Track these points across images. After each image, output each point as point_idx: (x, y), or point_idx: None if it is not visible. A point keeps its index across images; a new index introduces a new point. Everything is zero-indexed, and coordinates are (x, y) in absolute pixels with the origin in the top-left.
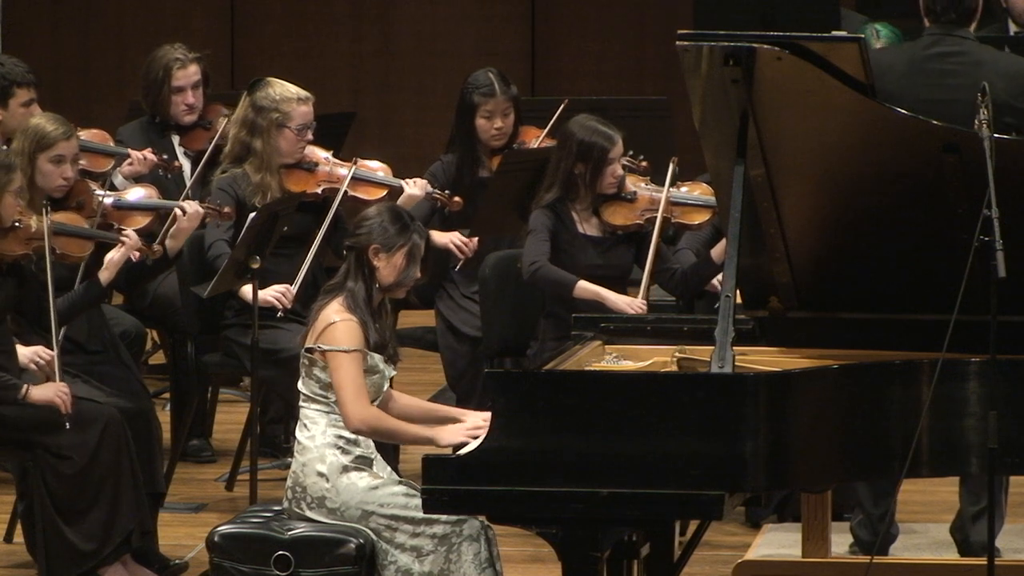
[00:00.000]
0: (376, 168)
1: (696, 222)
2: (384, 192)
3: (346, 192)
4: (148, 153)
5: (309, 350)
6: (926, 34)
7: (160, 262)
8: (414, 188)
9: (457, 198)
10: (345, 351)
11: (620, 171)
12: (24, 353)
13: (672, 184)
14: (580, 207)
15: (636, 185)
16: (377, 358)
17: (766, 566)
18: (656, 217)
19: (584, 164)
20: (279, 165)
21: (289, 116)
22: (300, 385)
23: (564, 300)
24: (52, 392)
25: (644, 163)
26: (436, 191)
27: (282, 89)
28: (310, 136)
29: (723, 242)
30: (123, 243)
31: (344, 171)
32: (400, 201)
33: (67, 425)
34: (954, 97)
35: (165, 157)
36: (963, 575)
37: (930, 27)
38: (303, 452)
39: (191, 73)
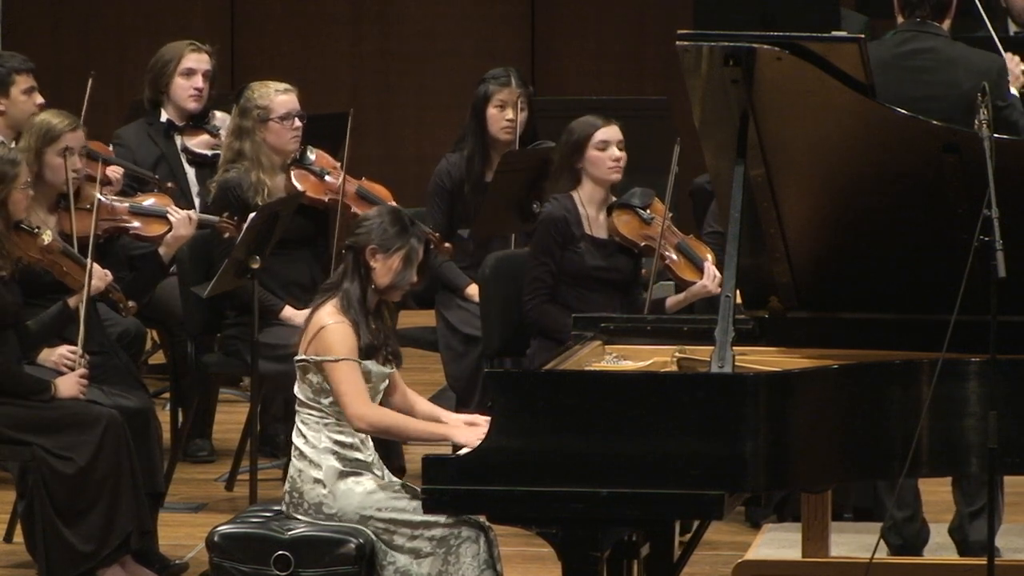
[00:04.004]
0: (379, 190)
1: (685, 278)
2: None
3: (349, 207)
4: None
5: (302, 359)
6: (899, 30)
7: (156, 271)
8: None
9: (448, 244)
10: (334, 361)
11: (616, 157)
12: (50, 359)
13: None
14: (587, 200)
15: (656, 212)
16: (368, 364)
17: (766, 566)
18: (654, 248)
19: (570, 149)
20: (280, 162)
21: (269, 108)
22: (296, 389)
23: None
24: (75, 387)
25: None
26: (428, 231)
27: (260, 86)
28: (298, 124)
29: (682, 296)
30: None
31: (351, 188)
32: None
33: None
34: (927, 94)
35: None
36: (963, 575)
37: (903, 23)
38: (300, 458)
39: (204, 59)
